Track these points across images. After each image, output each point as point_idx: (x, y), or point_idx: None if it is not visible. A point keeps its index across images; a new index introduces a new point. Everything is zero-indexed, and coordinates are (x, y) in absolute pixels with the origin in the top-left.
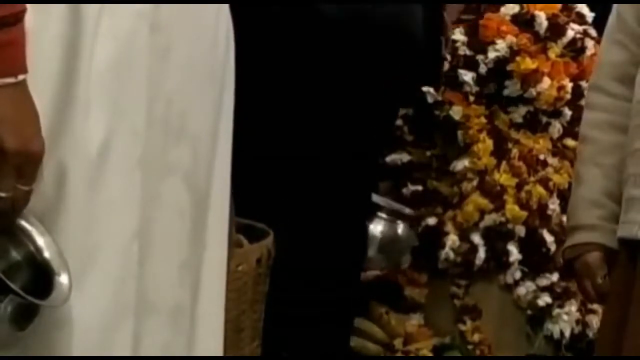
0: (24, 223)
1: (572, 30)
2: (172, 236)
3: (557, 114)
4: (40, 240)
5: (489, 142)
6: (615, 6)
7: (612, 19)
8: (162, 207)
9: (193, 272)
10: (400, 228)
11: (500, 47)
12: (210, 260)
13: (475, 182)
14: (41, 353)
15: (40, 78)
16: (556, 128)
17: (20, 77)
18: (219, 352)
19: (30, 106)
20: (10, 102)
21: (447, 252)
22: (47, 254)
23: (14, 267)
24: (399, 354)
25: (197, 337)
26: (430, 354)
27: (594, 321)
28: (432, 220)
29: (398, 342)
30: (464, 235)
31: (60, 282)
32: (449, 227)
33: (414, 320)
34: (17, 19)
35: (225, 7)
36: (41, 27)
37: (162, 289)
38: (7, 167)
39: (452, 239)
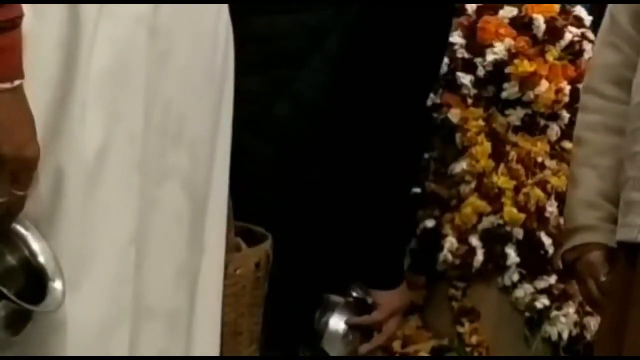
0: (19, 228)
1: (571, 34)
2: (170, 241)
3: (555, 117)
4: (35, 246)
5: (487, 145)
6: (608, 9)
7: (605, 21)
8: (160, 211)
9: (191, 277)
10: None
11: (498, 50)
12: (208, 265)
13: (473, 185)
14: (35, 355)
15: (38, 82)
16: (554, 131)
17: (17, 82)
18: (216, 354)
19: (26, 112)
20: (5, 108)
21: (445, 255)
22: (42, 259)
23: (9, 272)
24: (397, 356)
25: (194, 342)
26: (428, 356)
27: (592, 324)
28: (430, 223)
29: (397, 344)
30: (462, 238)
31: (55, 288)
32: (447, 229)
33: (413, 323)
34: (15, 24)
35: (225, 10)
36: (39, 30)
37: (159, 294)
38: (2, 172)
39: (450, 242)
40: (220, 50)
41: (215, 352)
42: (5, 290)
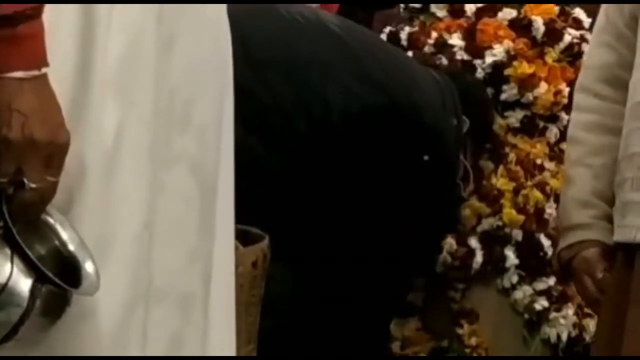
0: (46, 216)
1: (569, 35)
2: (179, 225)
3: (554, 118)
4: (64, 234)
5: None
6: (602, 8)
7: (599, 21)
8: (168, 196)
9: (204, 261)
10: None
11: (497, 52)
12: (220, 249)
13: (472, 187)
14: (69, 344)
15: (57, 71)
16: (553, 132)
17: (44, 69)
18: (232, 340)
19: (54, 98)
20: (36, 94)
21: (444, 256)
22: (71, 247)
23: (40, 262)
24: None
25: (211, 326)
26: (427, 357)
27: (591, 325)
28: None
29: (395, 346)
30: (461, 239)
31: (88, 272)
32: None
33: (412, 324)
34: (38, 12)
35: (224, 7)
36: (55, 20)
37: (169, 277)
38: (37, 158)
39: (449, 243)
40: (222, 39)
41: (232, 338)
42: (50, 274)
